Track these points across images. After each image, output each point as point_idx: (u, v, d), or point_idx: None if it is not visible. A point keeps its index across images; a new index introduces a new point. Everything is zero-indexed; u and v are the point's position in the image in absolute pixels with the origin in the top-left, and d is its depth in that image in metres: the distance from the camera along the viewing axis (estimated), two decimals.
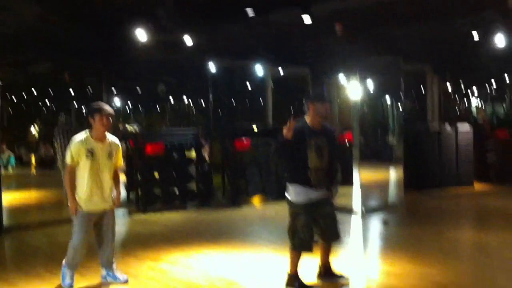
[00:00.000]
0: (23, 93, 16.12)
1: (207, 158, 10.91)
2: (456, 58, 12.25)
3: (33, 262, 6.63)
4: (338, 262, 5.59)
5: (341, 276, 5.31)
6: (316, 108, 5.03)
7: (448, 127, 11.62)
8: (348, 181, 9.06)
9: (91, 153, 5.15)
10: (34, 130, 21.94)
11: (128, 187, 10.50)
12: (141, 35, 8.99)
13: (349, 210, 8.86)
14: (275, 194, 10.33)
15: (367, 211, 8.85)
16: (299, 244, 4.99)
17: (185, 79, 13.68)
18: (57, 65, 9.68)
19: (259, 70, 11.50)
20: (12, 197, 11.21)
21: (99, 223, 5.32)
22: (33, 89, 15.06)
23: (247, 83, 12.39)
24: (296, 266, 5.08)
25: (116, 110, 22.26)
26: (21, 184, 14.38)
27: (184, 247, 6.94)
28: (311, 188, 4.95)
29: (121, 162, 5.47)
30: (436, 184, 11.21)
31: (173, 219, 8.99)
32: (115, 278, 5.40)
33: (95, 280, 5.49)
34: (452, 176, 11.47)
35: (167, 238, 7.51)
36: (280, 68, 11.19)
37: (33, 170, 18.24)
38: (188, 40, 9.54)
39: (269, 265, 6.00)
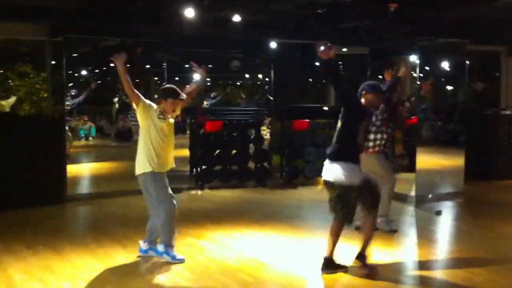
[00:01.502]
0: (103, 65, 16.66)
1: (266, 137, 10.99)
2: None
3: (84, 232, 7.07)
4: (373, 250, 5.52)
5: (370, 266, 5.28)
6: (369, 98, 5.19)
7: None
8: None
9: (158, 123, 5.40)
10: (115, 102, 22.74)
11: (191, 163, 10.83)
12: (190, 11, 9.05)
13: (403, 198, 8.66)
14: None
15: (424, 201, 8.60)
16: (344, 216, 5.11)
17: (248, 56, 13.71)
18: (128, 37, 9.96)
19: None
20: (85, 167, 11.88)
21: None
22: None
23: (311, 62, 12.24)
24: (333, 249, 5.15)
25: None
26: (98, 154, 15.10)
27: (228, 225, 7.10)
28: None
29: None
30: (503, 175, 10.66)
31: (226, 197, 9.17)
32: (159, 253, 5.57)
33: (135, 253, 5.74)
34: None
35: (214, 216, 7.70)
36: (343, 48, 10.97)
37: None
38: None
39: (307, 249, 6.03)
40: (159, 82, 10.82)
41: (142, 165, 5.42)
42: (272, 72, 11.05)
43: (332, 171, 5.10)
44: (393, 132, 7.29)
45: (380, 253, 5.77)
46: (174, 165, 5.67)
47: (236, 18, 9.41)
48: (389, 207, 6.78)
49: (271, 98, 11.40)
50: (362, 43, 10.94)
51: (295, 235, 6.70)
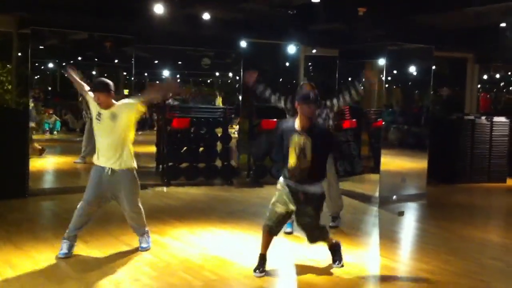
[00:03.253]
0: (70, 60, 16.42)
1: (234, 135, 10.99)
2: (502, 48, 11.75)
3: (45, 227, 6.95)
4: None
5: None
6: (301, 109, 5.07)
7: (483, 118, 11.23)
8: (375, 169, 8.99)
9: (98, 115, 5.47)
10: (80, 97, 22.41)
11: (157, 159, 10.77)
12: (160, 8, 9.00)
13: (367, 198, 8.80)
14: None
15: (385, 202, 8.73)
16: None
17: (221, 55, 13.72)
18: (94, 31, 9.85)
19: (291, 49, 11.43)
20: (47, 161, 11.68)
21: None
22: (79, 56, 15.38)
23: (280, 61, 12.33)
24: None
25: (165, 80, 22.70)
26: (61, 149, 14.87)
27: (193, 223, 7.08)
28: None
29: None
30: (465, 179, 10.92)
31: (192, 194, 9.13)
32: None
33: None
34: (483, 171, 11.14)
35: (179, 213, 7.66)
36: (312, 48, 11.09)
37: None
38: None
39: (270, 248, 6.03)
40: (127, 77, 10.73)
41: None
42: (241, 71, 11.05)
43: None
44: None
45: (343, 252, 5.83)
46: (121, 167, 5.48)
47: (206, 16, 9.39)
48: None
49: (240, 96, 11.41)
50: (331, 45, 11.04)
51: (260, 233, 6.68)
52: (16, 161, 8.19)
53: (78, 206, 5.57)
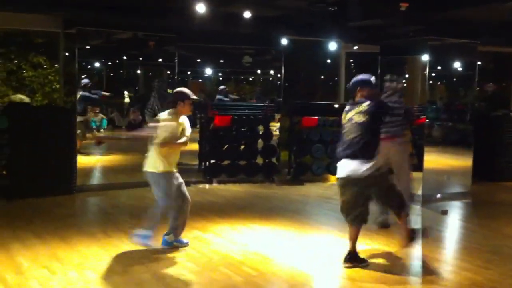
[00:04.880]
0: (116, 59, 16.77)
1: (275, 133, 11.03)
2: None
3: (92, 223, 7.17)
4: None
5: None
6: (364, 93, 5.32)
7: None
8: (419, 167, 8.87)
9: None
10: (126, 95, 22.87)
11: (199, 157, 10.91)
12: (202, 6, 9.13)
13: (410, 197, 8.68)
14: None
15: (428, 200, 8.61)
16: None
17: (261, 52, 13.76)
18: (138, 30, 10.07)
19: (332, 46, 11.38)
20: (93, 158, 11.99)
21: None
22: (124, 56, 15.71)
23: (321, 58, 12.27)
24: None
25: (207, 78, 22.89)
26: (109, 146, 15.22)
27: (234, 219, 7.18)
28: None
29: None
30: (510, 176, 10.65)
31: (233, 191, 9.23)
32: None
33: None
34: None
35: (220, 210, 7.77)
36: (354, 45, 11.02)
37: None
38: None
39: (311, 245, 6.09)
40: (171, 76, 10.91)
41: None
42: (282, 68, 11.08)
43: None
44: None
45: (384, 250, 5.82)
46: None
47: (247, 14, 9.46)
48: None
49: (282, 94, 11.44)
50: (372, 41, 10.94)
51: (300, 230, 6.76)
52: (63, 158, 8.46)
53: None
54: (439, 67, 10.68)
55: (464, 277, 5.19)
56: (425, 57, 9.36)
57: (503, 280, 5.18)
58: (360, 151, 5.17)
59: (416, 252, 6.16)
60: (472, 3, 8.93)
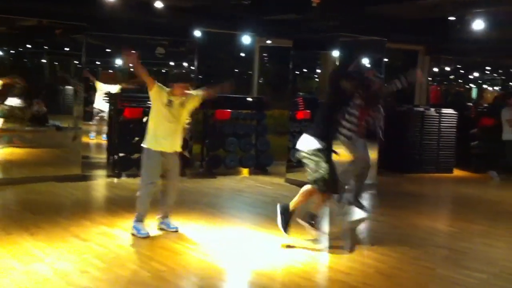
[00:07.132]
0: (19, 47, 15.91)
1: (186, 126, 10.87)
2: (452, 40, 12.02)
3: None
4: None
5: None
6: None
7: (432, 109, 11.52)
8: None
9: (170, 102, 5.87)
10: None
11: (108, 150, 10.58)
12: None
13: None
14: (253, 167, 10.51)
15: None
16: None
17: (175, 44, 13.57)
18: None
19: (246, 39, 11.40)
20: None
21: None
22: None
23: (236, 51, 12.28)
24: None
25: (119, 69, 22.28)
26: (10, 139, 14.44)
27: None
28: None
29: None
30: (415, 169, 11.19)
31: None
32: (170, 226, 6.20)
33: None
34: (432, 161, 11.44)
35: (128, 204, 7.48)
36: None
37: None
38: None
39: (222, 238, 6.07)
40: (78, 65, 10.51)
41: (145, 140, 5.99)
42: (196, 60, 10.95)
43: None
44: None
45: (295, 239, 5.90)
46: (179, 149, 6.16)
47: (159, 3, 9.26)
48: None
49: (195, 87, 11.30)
50: (285, 35, 11.06)
51: (211, 223, 6.71)
52: None
53: (147, 190, 6.01)
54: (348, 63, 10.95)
55: (369, 265, 5.35)
56: (336, 53, 9.58)
57: (406, 266, 5.39)
58: None
59: (321, 241, 6.29)
60: (382, 1, 9.24)
